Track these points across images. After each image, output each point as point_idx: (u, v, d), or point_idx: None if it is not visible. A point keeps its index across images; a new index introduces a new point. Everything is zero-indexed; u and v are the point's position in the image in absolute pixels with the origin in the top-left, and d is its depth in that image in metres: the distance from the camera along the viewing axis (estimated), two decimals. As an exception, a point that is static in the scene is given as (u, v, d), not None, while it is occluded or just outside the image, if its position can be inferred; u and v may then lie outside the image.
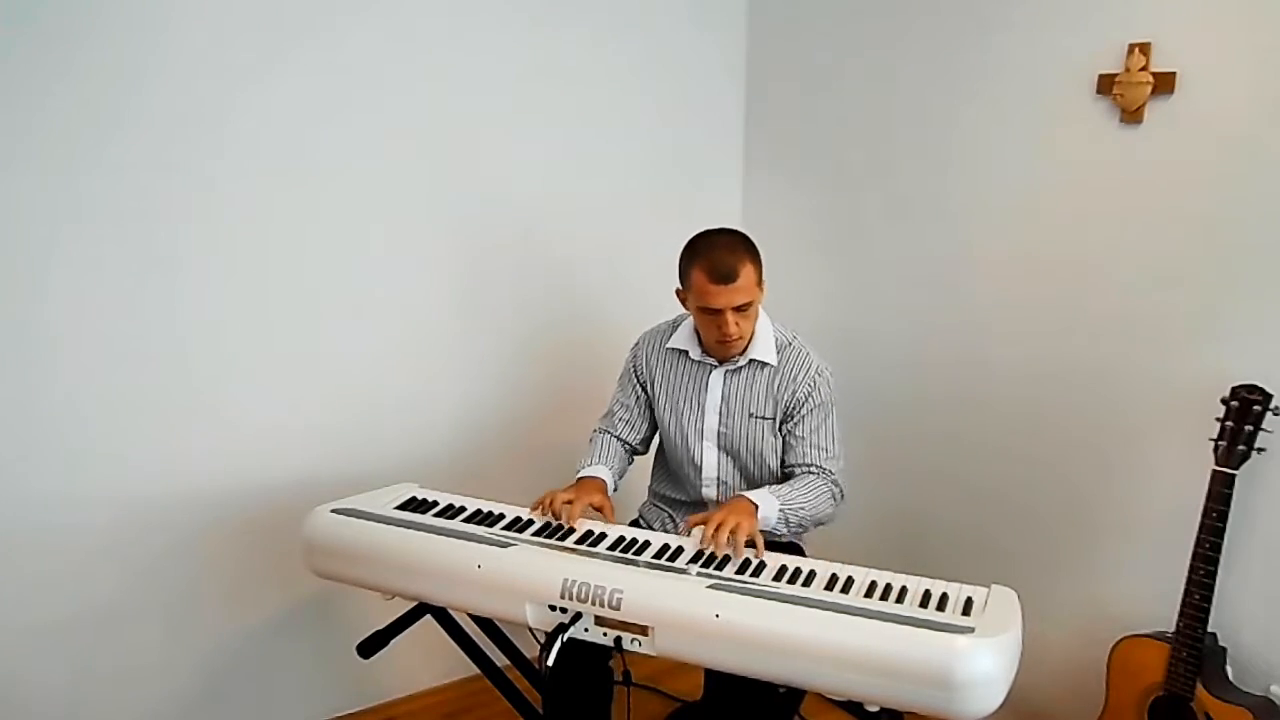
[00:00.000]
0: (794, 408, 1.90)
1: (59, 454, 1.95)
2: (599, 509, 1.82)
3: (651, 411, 2.04)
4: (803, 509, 1.82)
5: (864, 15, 2.44)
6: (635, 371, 2.03)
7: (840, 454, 1.92)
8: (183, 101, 1.94)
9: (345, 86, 2.13)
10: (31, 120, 1.81)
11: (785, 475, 1.93)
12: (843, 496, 1.91)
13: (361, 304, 2.25)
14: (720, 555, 1.65)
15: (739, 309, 1.78)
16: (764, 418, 1.91)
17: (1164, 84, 1.86)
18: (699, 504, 2.00)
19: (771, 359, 1.90)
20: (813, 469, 1.89)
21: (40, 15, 1.78)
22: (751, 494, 1.78)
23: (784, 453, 1.93)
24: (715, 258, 1.76)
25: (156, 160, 1.94)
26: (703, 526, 1.69)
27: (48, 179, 1.85)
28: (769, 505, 1.77)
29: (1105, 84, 1.95)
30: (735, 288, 1.75)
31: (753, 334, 1.88)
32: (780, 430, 1.93)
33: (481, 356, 2.47)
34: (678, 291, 1.88)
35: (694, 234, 1.85)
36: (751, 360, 1.90)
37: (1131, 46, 1.89)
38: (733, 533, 1.65)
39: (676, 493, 2.05)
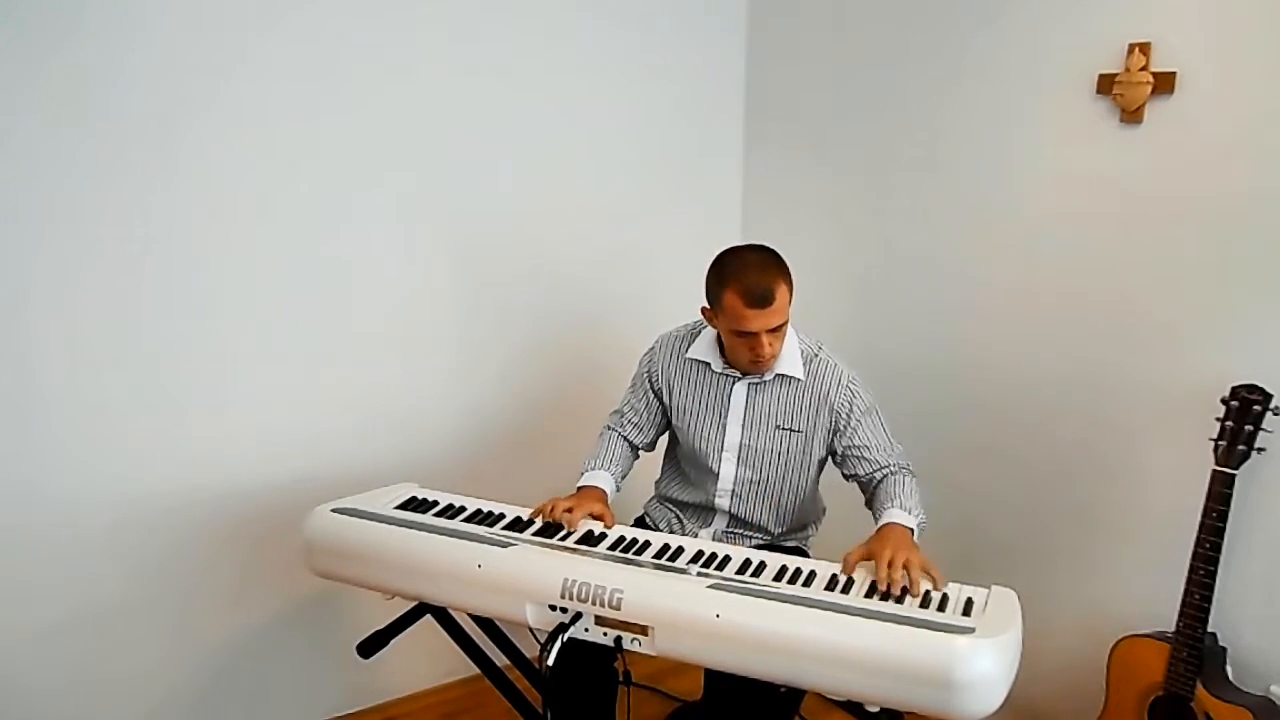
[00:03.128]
0: (840, 423, 1.88)
1: (58, 456, 1.95)
2: (599, 518, 1.82)
3: (663, 417, 2.02)
4: (921, 510, 1.80)
5: (864, 15, 2.44)
6: (650, 378, 2.01)
7: (899, 445, 1.91)
8: (174, 98, 1.94)
9: (341, 86, 2.12)
10: (18, 119, 1.81)
11: (863, 485, 1.90)
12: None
13: (361, 304, 2.25)
14: (897, 591, 1.56)
15: (772, 330, 1.76)
16: (794, 430, 1.89)
17: (1164, 84, 1.86)
18: (709, 508, 1.99)
19: (798, 373, 1.88)
20: (891, 468, 1.87)
21: (21, 14, 1.77)
22: (894, 519, 1.73)
23: (852, 468, 1.90)
24: (750, 280, 1.71)
25: (153, 159, 1.94)
26: (868, 565, 1.62)
27: (41, 178, 1.84)
28: (913, 525, 1.74)
29: (1105, 84, 1.95)
30: (771, 311, 1.72)
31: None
32: (835, 447, 1.90)
33: (482, 355, 2.47)
34: (704, 310, 1.84)
35: (722, 251, 1.81)
36: (778, 375, 1.88)
37: (1131, 46, 1.89)
38: (905, 566, 1.59)
39: (687, 495, 2.03)
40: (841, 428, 1.88)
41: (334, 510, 1.79)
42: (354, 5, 2.11)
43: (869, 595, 1.55)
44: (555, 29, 2.40)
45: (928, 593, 1.55)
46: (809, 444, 1.91)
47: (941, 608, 1.50)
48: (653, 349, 2.03)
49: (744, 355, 1.81)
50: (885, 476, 1.87)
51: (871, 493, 1.88)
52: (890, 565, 1.58)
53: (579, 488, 1.92)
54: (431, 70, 2.23)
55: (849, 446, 1.89)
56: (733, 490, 1.95)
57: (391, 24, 2.16)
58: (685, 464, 2.03)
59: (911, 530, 1.72)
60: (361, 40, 2.13)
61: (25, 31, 1.78)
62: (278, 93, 2.05)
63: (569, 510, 1.79)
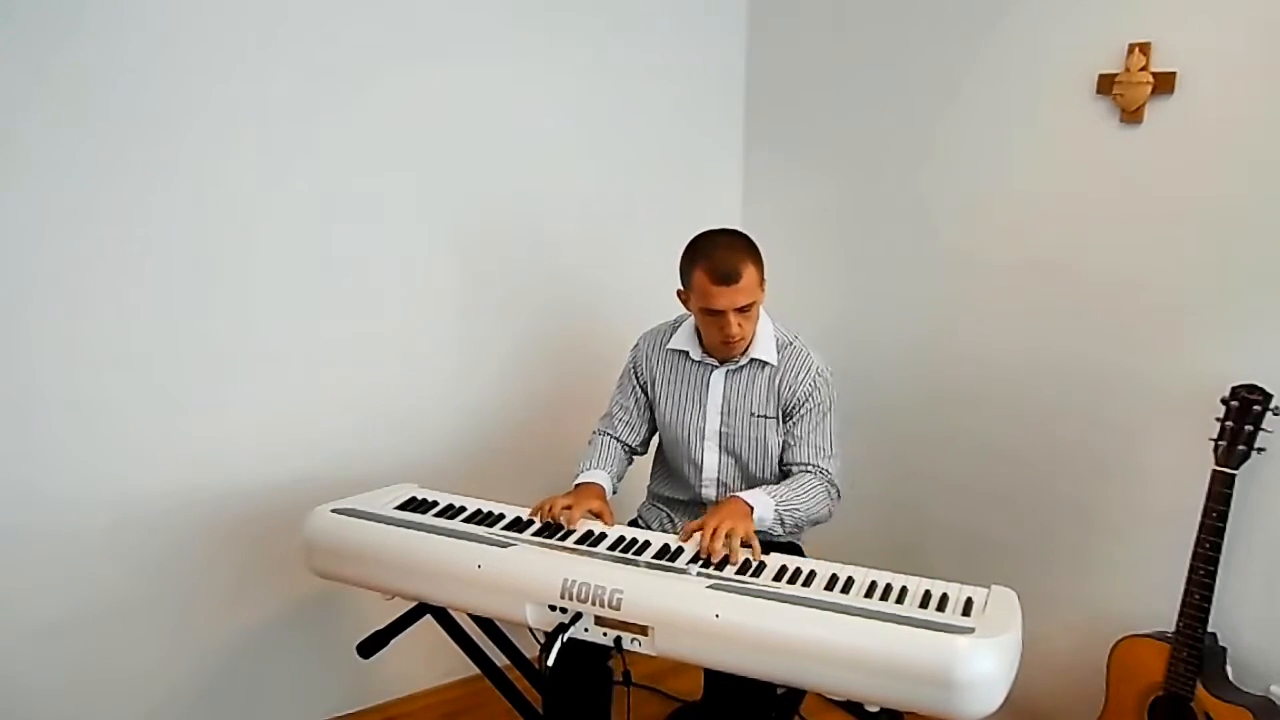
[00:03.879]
0: (793, 407, 1.90)
1: (58, 456, 1.95)
2: (597, 515, 1.82)
3: (651, 413, 2.04)
4: (798, 509, 1.82)
5: (864, 15, 2.44)
6: (635, 373, 2.03)
7: (837, 454, 1.93)
8: (174, 98, 1.94)
9: (340, 87, 2.12)
10: (18, 119, 1.80)
11: (783, 474, 1.93)
12: (839, 496, 1.91)
13: (361, 305, 2.25)
14: (717, 560, 1.64)
15: (740, 310, 1.78)
16: (767, 417, 1.91)
17: (1164, 84, 1.86)
18: (698, 504, 2.00)
19: (772, 358, 1.90)
20: (809, 468, 1.89)
21: (21, 14, 1.77)
22: (746, 495, 1.78)
23: (781, 452, 1.93)
24: (717, 258, 1.76)
25: (153, 159, 1.94)
26: (699, 533, 1.69)
27: (41, 178, 1.84)
28: (764, 505, 1.77)
29: (1105, 84, 1.95)
30: (737, 289, 1.76)
31: (754, 334, 1.88)
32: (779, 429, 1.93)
33: (482, 355, 2.47)
34: (679, 292, 1.88)
35: (695, 234, 1.85)
36: (752, 360, 1.91)
37: (1131, 46, 1.89)
38: (728, 536, 1.65)
39: (676, 493, 2.05)
40: (792, 412, 1.90)
41: (334, 510, 1.79)
42: (354, 5, 2.10)
43: (868, 595, 1.55)
44: (555, 29, 2.40)
45: (927, 592, 1.54)
46: (781, 429, 1.92)
47: (941, 607, 1.50)
48: (637, 345, 2.06)
49: (715, 335, 1.84)
50: (798, 474, 1.88)
51: None
52: (714, 535, 1.65)
53: (575, 486, 1.92)
54: (431, 70, 2.23)
55: (788, 431, 1.91)
56: (717, 479, 1.96)
57: (391, 24, 2.16)
58: (672, 459, 2.04)
59: (751, 508, 1.74)
60: (361, 40, 2.13)
61: (25, 31, 1.78)
62: (277, 93, 2.05)
63: (567, 508, 1.80)
